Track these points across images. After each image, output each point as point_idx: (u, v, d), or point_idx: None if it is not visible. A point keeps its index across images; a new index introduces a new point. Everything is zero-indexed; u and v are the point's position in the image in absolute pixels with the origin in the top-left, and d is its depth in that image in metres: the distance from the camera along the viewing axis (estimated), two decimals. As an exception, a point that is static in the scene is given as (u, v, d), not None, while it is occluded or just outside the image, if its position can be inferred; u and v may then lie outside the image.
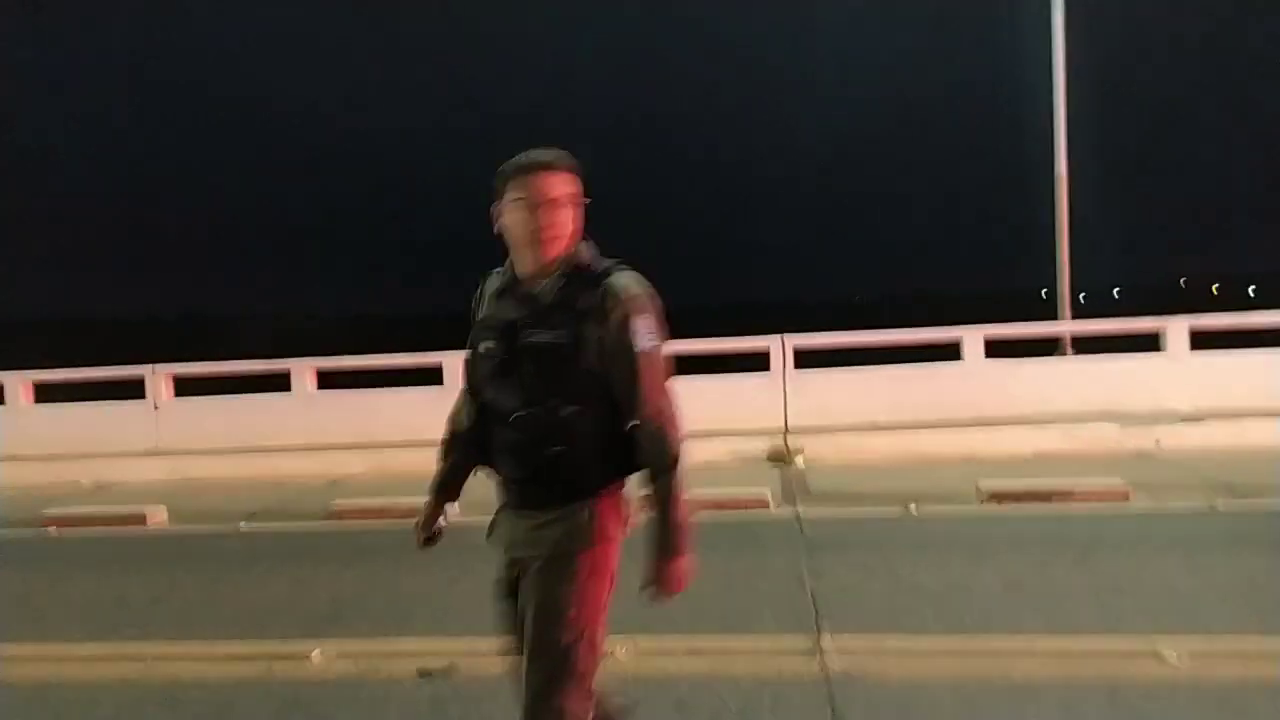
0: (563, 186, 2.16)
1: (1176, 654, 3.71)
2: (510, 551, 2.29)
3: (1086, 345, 10.02)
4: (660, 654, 4.00)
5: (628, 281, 2.16)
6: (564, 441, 2.13)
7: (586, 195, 2.24)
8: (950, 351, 9.16)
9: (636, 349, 2.11)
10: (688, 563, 2.23)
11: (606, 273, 2.17)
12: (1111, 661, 3.71)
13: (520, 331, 2.16)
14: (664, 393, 2.16)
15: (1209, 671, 3.58)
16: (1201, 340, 9.01)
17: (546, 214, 2.14)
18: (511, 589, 2.31)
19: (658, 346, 2.16)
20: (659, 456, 2.16)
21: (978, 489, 6.82)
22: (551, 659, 2.15)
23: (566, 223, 2.17)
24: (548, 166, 2.16)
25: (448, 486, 2.45)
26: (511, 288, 2.24)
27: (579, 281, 2.15)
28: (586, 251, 2.23)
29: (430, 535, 2.48)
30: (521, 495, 2.24)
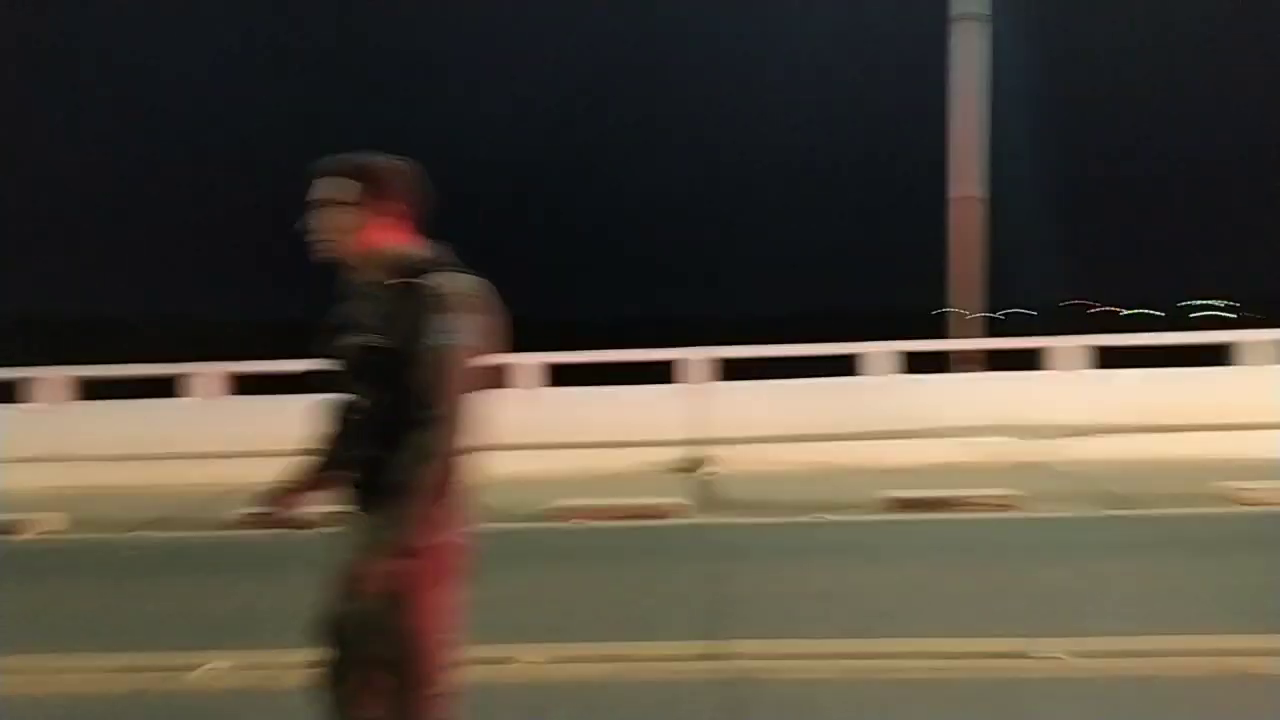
0: (326, 189, 2.22)
1: (1060, 653, 3.89)
2: (345, 554, 2.23)
3: (981, 361, 10.41)
4: (571, 660, 4.02)
5: (440, 280, 2.14)
6: (380, 443, 2.10)
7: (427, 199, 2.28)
8: (852, 366, 9.40)
9: (428, 344, 2.07)
10: (391, 567, 2.05)
11: (423, 272, 2.15)
12: (999, 661, 3.87)
13: (344, 332, 2.20)
14: (446, 392, 2.07)
15: (1089, 669, 3.77)
16: (1091, 358, 9.45)
17: (315, 216, 2.23)
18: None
19: (454, 345, 2.09)
20: (413, 450, 2.04)
21: (880, 498, 7.03)
22: (392, 671, 2.13)
23: (336, 225, 2.21)
24: (319, 171, 2.24)
25: (308, 478, 2.42)
26: (351, 288, 2.27)
27: (398, 281, 2.15)
28: (418, 251, 2.23)
29: (273, 515, 2.43)
30: (354, 497, 2.23)
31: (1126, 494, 7.11)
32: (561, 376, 9.39)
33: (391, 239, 2.24)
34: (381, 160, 2.27)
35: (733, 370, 9.65)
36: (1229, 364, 9.14)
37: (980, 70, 11.74)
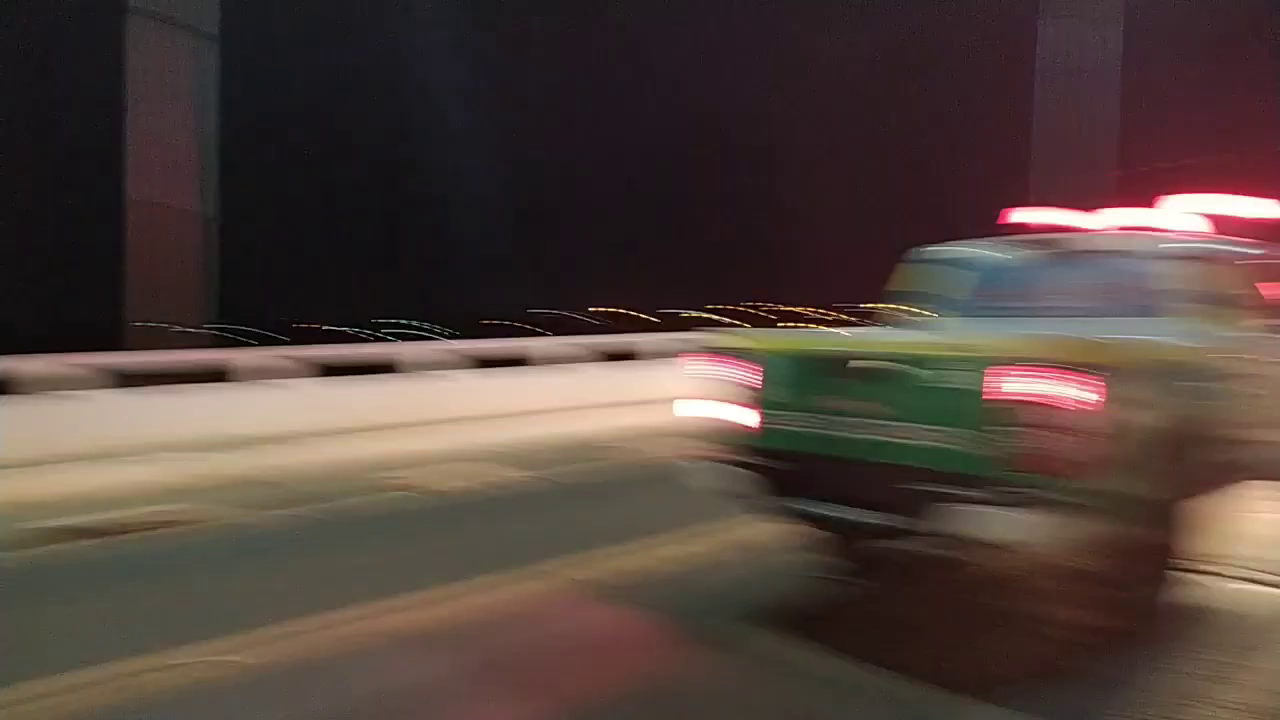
0: None
1: (233, 655, 3.93)
2: None
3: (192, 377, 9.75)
4: None
5: None
6: None
7: None
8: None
9: None
10: None
11: None
12: (177, 671, 3.80)
13: None
14: None
15: (272, 657, 3.94)
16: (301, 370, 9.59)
17: None
18: None
19: None
20: None
21: (38, 529, 6.04)
22: None
23: None
24: None
25: None
26: None
27: None
28: None
29: None
30: None
31: (318, 493, 7.37)
32: None
33: None
34: None
35: None
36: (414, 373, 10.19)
37: (204, 86, 11.11)
